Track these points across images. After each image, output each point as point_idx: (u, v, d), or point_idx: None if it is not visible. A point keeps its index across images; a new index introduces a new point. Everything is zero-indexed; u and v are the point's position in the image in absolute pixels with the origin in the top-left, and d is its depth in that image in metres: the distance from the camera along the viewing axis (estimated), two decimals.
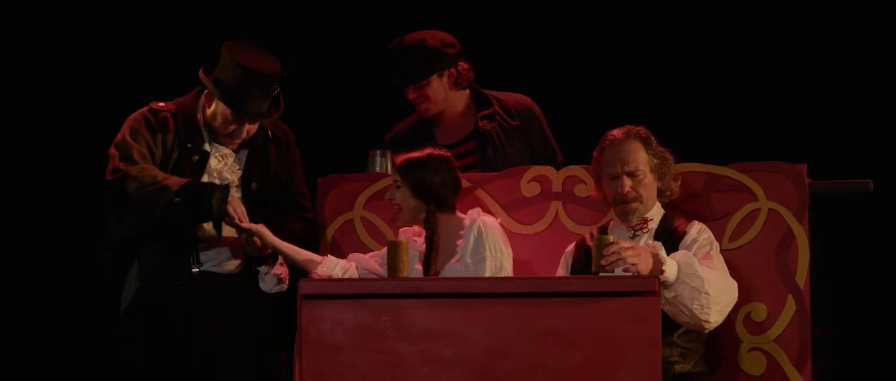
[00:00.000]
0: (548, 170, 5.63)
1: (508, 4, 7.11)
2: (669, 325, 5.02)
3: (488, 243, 5.30)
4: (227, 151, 5.63)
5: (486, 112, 6.06)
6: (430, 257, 5.37)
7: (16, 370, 7.11)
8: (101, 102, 6.93)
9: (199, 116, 5.63)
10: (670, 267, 4.93)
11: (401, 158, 5.41)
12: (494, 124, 6.04)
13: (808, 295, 5.35)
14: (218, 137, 5.61)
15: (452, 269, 5.32)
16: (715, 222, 5.36)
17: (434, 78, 5.96)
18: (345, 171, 5.78)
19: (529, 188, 5.62)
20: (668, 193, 5.32)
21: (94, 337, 6.92)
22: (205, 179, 5.55)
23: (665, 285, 4.92)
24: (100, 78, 7.13)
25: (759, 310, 5.35)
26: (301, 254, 5.50)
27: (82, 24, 7.16)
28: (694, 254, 5.05)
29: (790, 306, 5.34)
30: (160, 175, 5.44)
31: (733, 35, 6.88)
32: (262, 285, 5.57)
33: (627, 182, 5.23)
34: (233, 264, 5.61)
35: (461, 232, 5.36)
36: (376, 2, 7.14)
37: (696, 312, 4.96)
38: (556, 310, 4.78)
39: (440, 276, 5.32)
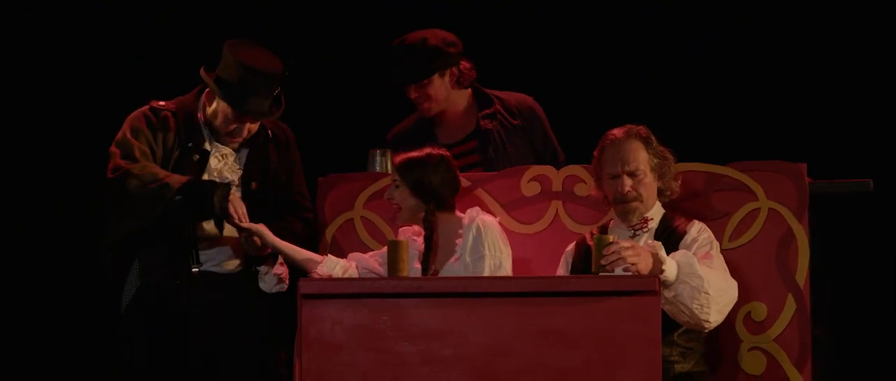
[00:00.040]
0: (548, 169, 5.63)
1: (509, 4, 7.10)
2: (669, 324, 5.02)
3: (487, 241, 5.30)
4: (227, 150, 5.63)
5: (487, 111, 6.06)
6: (429, 257, 5.37)
7: (16, 370, 7.11)
8: (102, 101, 6.93)
9: (200, 115, 5.63)
10: (670, 267, 4.93)
11: (400, 158, 5.41)
12: (496, 124, 6.04)
13: (808, 295, 5.35)
14: (218, 137, 5.60)
15: (451, 268, 5.32)
16: (715, 222, 5.36)
17: (436, 77, 5.96)
18: (345, 170, 5.78)
19: (529, 188, 5.62)
20: (669, 192, 5.32)
21: (95, 337, 6.92)
22: (205, 178, 5.55)
23: (665, 284, 4.92)
24: (100, 78, 7.13)
25: (759, 310, 5.35)
26: (301, 253, 5.50)
27: (82, 24, 7.16)
28: (694, 253, 5.05)
29: (790, 306, 5.34)
30: (162, 173, 5.44)
31: (733, 35, 6.88)
32: (261, 285, 5.57)
33: (628, 182, 5.23)
34: (233, 264, 5.61)
35: (460, 231, 5.36)
36: (376, 2, 7.14)
37: (696, 311, 4.96)
38: (556, 310, 4.78)
39: (439, 275, 5.32)
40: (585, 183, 5.54)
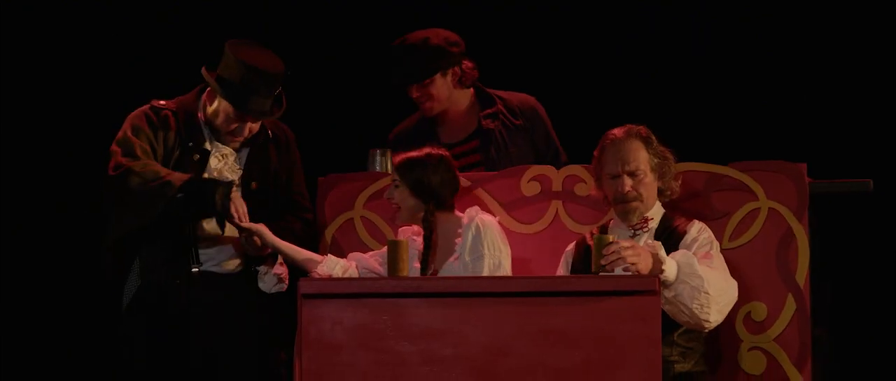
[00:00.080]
0: (548, 169, 5.63)
1: (509, 4, 7.10)
2: (669, 324, 5.02)
3: (486, 240, 5.30)
4: (227, 150, 5.63)
5: (489, 111, 6.06)
6: (428, 256, 5.37)
7: (16, 369, 7.10)
8: (102, 101, 6.93)
9: (200, 114, 5.63)
10: (670, 267, 4.93)
11: (399, 158, 5.41)
12: (498, 123, 6.03)
13: (808, 295, 5.35)
14: (219, 136, 5.60)
15: (451, 267, 5.32)
16: (715, 222, 5.36)
17: (438, 76, 5.96)
18: (345, 170, 5.78)
19: (529, 187, 5.62)
20: (669, 192, 5.32)
21: (95, 336, 6.92)
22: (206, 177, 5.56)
23: (665, 284, 4.92)
24: (100, 77, 7.13)
25: (759, 309, 5.35)
26: (301, 253, 5.50)
27: (82, 24, 7.15)
28: (694, 253, 5.05)
29: (790, 306, 5.34)
30: (163, 171, 5.44)
31: (733, 35, 6.88)
32: (261, 285, 5.57)
33: (628, 181, 5.23)
34: (233, 264, 5.61)
35: (459, 231, 5.36)
36: (376, 2, 7.14)
37: (696, 311, 4.96)
38: (556, 309, 4.78)
39: (439, 275, 5.32)
40: (585, 183, 5.54)
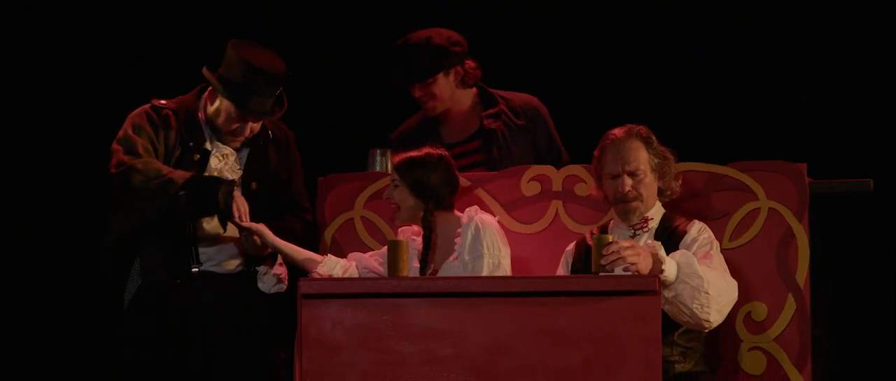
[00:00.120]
0: (548, 169, 5.63)
1: (509, 4, 7.10)
2: (669, 324, 5.02)
3: (486, 240, 5.30)
4: (228, 150, 5.63)
5: (491, 111, 6.06)
6: (428, 256, 5.37)
7: (16, 369, 7.10)
8: (102, 101, 6.93)
9: (201, 114, 5.63)
10: (670, 267, 4.93)
11: (399, 158, 5.41)
12: (500, 123, 6.04)
13: (808, 295, 5.35)
14: (219, 136, 5.61)
15: (450, 267, 5.32)
16: (715, 222, 5.36)
17: (440, 76, 5.96)
18: (345, 170, 5.78)
19: (529, 187, 5.62)
20: (669, 192, 5.32)
21: (95, 336, 6.91)
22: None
23: (665, 284, 4.92)
24: (100, 77, 7.13)
25: (760, 309, 5.35)
26: (301, 253, 5.50)
27: (83, 24, 7.15)
28: (694, 253, 5.05)
29: (790, 306, 5.34)
30: (165, 169, 5.44)
31: (733, 35, 6.88)
32: (260, 286, 5.57)
33: (628, 181, 5.23)
34: (233, 264, 5.61)
35: (458, 230, 5.36)
36: (377, 2, 7.14)
37: (696, 311, 4.96)
38: (556, 309, 4.78)
39: (438, 274, 5.32)
40: (585, 183, 5.54)
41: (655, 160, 5.26)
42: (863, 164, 6.18)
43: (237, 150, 5.65)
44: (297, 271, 5.51)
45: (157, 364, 5.49)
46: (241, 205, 5.43)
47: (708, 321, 5.00)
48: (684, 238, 5.19)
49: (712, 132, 6.71)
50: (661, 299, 4.87)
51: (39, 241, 7.12)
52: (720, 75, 6.89)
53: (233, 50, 5.49)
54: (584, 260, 5.22)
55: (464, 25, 6.10)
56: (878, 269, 6.65)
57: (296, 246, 5.51)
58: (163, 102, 5.63)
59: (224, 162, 5.61)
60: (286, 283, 5.55)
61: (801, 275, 5.35)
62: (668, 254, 4.95)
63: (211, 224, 5.52)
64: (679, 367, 5.16)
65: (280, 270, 5.53)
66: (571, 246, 5.37)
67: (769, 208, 5.40)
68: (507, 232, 5.44)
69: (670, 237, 5.19)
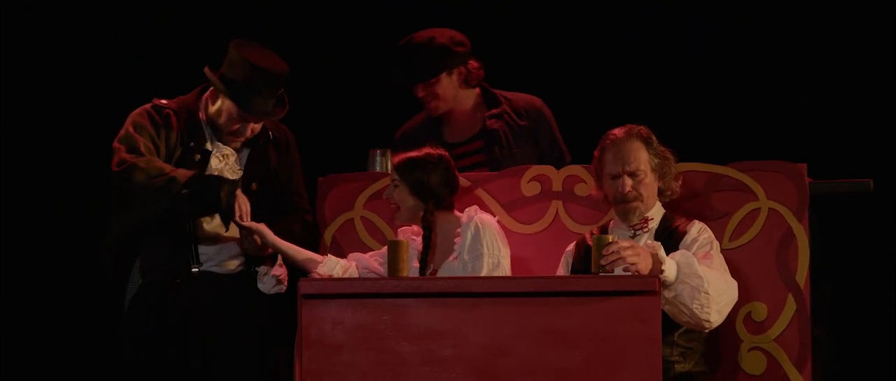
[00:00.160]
0: (548, 169, 5.63)
1: (511, 4, 7.10)
2: (670, 324, 5.02)
3: (485, 240, 5.30)
4: (228, 150, 5.63)
5: (494, 111, 6.06)
6: (427, 256, 5.37)
7: (16, 369, 7.11)
8: (103, 101, 6.93)
9: (202, 114, 5.63)
10: (670, 267, 4.93)
11: (398, 158, 5.41)
12: (502, 124, 6.04)
13: (808, 295, 5.35)
14: (220, 136, 5.61)
15: (450, 267, 5.32)
16: (715, 222, 5.36)
17: (443, 76, 5.96)
18: (345, 170, 5.78)
19: (529, 188, 5.62)
20: (669, 192, 5.32)
21: (95, 336, 6.92)
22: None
23: (665, 284, 4.92)
24: (101, 77, 7.13)
25: (760, 309, 5.35)
26: (301, 253, 5.50)
27: (83, 24, 7.16)
28: (694, 253, 5.05)
29: (790, 306, 5.34)
30: (167, 167, 5.44)
31: (733, 35, 6.88)
32: (260, 286, 5.57)
33: (628, 182, 5.23)
34: (233, 264, 5.61)
35: (458, 230, 5.36)
36: (377, 2, 7.14)
37: (696, 311, 4.96)
38: (556, 310, 4.78)
39: (438, 274, 5.32)
40: (585, 183, 5.54)
41: (656, 160, 5.26)
42: (863, 164, 6.19)
43: (237, 150, 5.65)
44: (298, 271, 5.51)
45: (158, 364, 5.50)
46: (243, 204, 5.43)
47: (708, 321, 5.00)
48: (684, 238, 5.19)
49: (712, 132, 6.71)
50: (661, 299, 4.87)
51: (39, 241, 7.12)
52: (720, 75, 6.89)
53: (235, 50, 5.49)
54: (584, 260, 5.22)
55: (466, 25, 6.10)
56: (878, 269, 6.65)
57: (296, 246, 5.51)
58: (164, 101, 5.63)
59: (224, 162, 5.61)
60: (286, 284, 5.55)
61: (801, 275, 5.35)
62: (668, 254, 4.95)
63: (211, 224, 5.53)
64: (679, 367, 5.16)
65: (280, 271, 5.52)
66: (571, 246, 5.37)
67: (769, 208, 5.40)
68: (507, 232, 5.44)
69: (670, 237, 5.19)
